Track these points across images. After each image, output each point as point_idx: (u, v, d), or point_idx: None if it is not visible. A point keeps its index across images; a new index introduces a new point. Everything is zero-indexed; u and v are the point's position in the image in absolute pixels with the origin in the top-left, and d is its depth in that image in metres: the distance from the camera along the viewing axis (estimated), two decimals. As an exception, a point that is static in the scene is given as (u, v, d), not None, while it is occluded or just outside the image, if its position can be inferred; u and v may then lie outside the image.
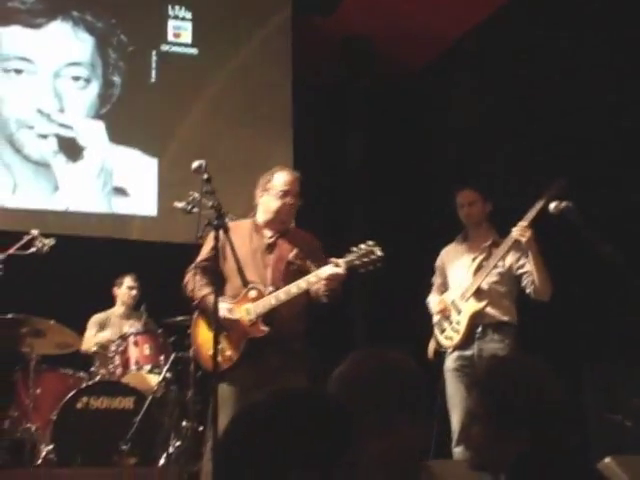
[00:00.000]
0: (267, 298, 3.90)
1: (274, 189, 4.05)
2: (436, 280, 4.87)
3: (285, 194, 4.03)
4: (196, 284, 4.01)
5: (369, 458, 1.62)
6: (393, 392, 1.71)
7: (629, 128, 5.33)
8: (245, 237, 4.09)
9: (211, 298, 3.76)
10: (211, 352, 3.73)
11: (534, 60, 6.10)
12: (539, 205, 4.34)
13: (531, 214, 4.37)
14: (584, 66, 5.65)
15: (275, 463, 1.30)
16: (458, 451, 4.26)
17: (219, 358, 3.77)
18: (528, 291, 4.49)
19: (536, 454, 1.87)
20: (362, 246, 3.84)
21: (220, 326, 3.68)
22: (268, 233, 4.06)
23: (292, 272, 3.93)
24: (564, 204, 4.24)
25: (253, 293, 3.97)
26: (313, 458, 1.31)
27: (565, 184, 4.30)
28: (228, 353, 3.92)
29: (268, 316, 3.90)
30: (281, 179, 4.07)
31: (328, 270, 3.79)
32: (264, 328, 3.89)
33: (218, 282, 3.76)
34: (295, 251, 3.98)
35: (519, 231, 4.37)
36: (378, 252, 3.78)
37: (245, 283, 3.99)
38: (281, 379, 3.69)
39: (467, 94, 6.88)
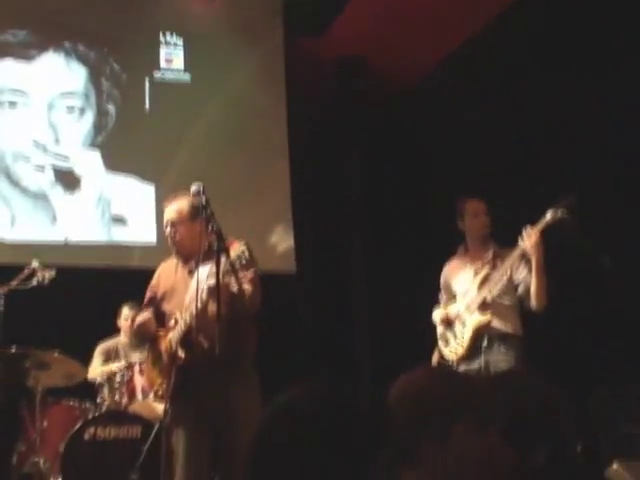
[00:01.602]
0: (179, 324, 3.92)
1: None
2: (441, 297, 4.87)
3: (165, 226, 4.12)
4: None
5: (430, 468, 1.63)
6: (461, 404, 1.71)
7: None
8: (171, 272, 4.14)
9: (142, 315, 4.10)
10: (154, 388, 4.07)
11: (532, 70, 6.10)
12: (548, 217, 4.35)
13: (543, 222, 4.37)
14: (582, 76, 5.65)
15: (306, 467, 1.25)
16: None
17: (160, 393, 4.04)
18: (523, 300, 4.50)
19: (546, 467, 1.89)
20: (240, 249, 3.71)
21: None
22: (187, 262, 4.07)
23: (213, 292, 3.69)
24: (560, 212, 4.30)
25: (172, 322, 4.01)
26: (345, 460, 1.27)
27: (573, 200, 4.31)
28: (164, 387, 3.99)
29: (185, 341, 3.88)
30: (165, 212, 4.14)
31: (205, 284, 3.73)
32: (181, 354, 3.89)
33: None
34: (212, 270, 3.69)
35: (526, 236, 4.37)
36: (246, 253, 3.66)
37: (171, 314, 4.05)
38: (223, 403, 3.64)
39: (464, 108, 6.87)
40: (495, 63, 6.53)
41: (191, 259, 4.02)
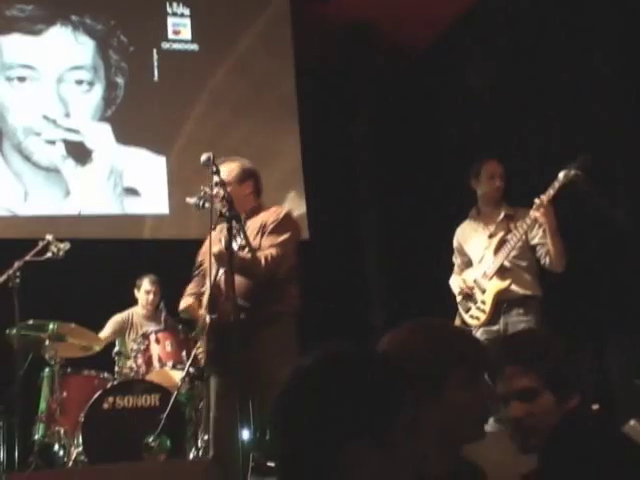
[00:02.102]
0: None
1: None
2: (456, 261, 4.87)
3: (214, 187, 3.98)
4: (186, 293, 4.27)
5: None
6: (448, 359, 1.71)
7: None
8: (218, 237, 4.12)
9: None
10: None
11: (542, 32, 6.03)
12: (560, 182, 4.34)
13: (552, 190, 4.36)
14: (596, 36, 5.58)
15: (328, 435, 1.24)
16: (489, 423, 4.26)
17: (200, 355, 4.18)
18: (542, 262, 4.51)
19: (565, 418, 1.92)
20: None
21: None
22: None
23: (217, 259, 3.80)
24: (573, 172, 4.28)
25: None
26: (368, 425, 1.25)
27: (588, 161, 4.30)
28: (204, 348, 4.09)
29: (212, 305, 3.89)
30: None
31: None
32: (207, 320, 3.94)
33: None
34: (245, 234, 3.80)
35: (537, 204, 4.36)
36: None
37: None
38: (253, 364, 3.72)
39: (473, 72, 6.82)
40: (504, 26, 6.46)
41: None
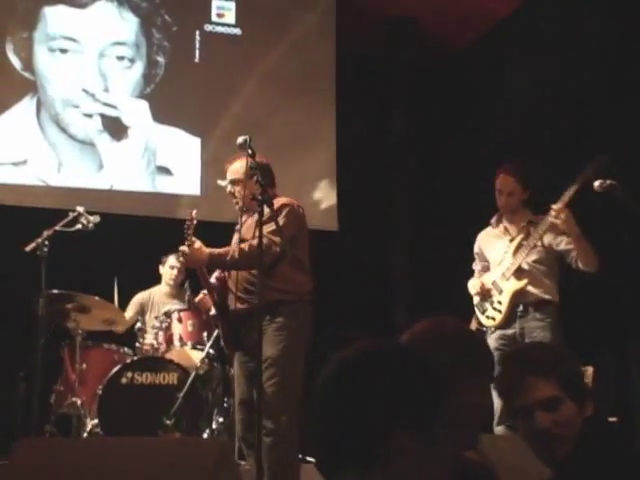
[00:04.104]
0: None
1: None
2: (476, 267, 4.86)
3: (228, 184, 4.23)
4: None
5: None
6: (457, 361, 1.69)
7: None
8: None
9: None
10: None
11: (583, 38, 5.98)
12: (575, 186, 4.30)
13: (567, 195, 4.33)
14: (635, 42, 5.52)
15: (375, 421, 1.25)
16: (499, 429, 4.24)
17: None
18: (575, 266, 4.45)
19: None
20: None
21: None
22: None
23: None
24: (609, 182, 4.21)
25: None
26: (416, 411, 1.26)
27: (607, 162, 4.24)
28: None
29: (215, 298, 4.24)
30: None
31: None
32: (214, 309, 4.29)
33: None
34: (276, 219, 3.89)
35: (554, 214, 4.33)
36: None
37: None
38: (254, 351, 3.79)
39: (514, 73, 6.77)
40: (545, 29, 6.41)
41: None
